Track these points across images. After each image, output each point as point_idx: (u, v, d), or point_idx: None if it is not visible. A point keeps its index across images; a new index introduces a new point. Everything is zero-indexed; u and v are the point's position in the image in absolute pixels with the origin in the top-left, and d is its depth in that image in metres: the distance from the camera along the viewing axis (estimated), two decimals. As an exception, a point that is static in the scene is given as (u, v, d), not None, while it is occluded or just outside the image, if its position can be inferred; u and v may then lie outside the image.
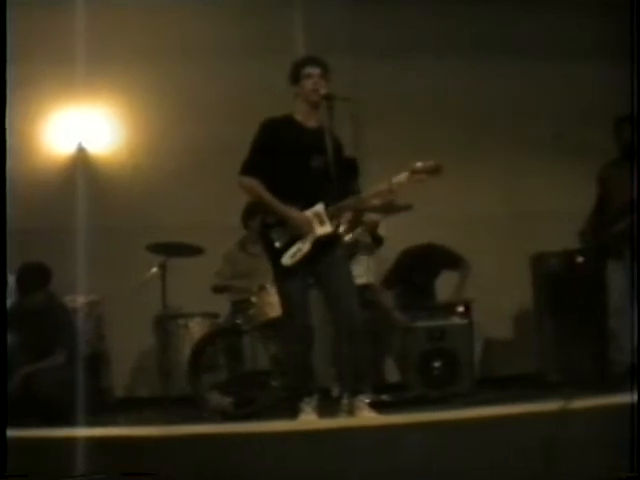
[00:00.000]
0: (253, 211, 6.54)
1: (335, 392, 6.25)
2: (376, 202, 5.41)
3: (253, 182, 5.18)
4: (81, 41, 7.56)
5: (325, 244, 5.11)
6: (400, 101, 8.77)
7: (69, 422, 5.39)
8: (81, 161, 8.48)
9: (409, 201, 6.52)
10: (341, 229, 5.44)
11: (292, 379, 5.38)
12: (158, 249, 6.94)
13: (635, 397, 3.51)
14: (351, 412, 5.01)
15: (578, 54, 8.84)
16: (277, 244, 5.10)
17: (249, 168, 5.19)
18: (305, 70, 5.18)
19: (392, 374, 7.90)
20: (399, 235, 7.90)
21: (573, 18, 8.93)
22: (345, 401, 5.08)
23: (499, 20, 8.93)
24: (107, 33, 8.24)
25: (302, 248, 5.07)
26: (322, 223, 5.10)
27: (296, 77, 5.22)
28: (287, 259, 5.07)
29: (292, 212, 5.08)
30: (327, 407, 5.36)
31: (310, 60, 5.27)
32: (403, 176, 5.05)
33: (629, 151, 6.47)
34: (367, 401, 5.17)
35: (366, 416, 4.95)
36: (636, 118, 6.35)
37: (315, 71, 5.18)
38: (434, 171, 5.05)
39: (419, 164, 5.03)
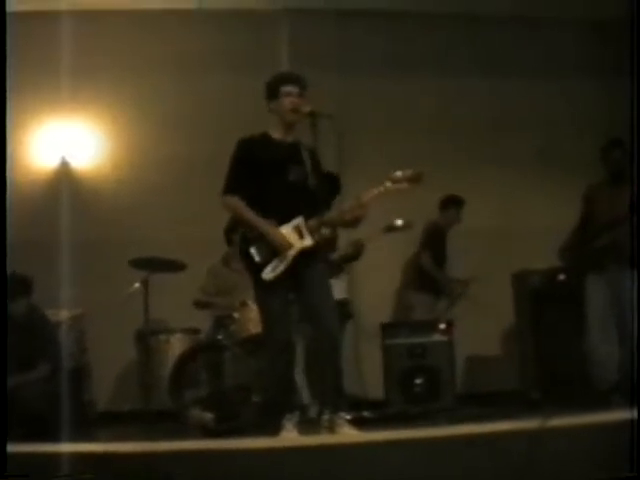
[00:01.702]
0: (236, 225, 6.51)
1: (313, 410, 6.24)
2: (350, 216, 5.29)
3: (235, 200, 5.19)
4: (66, 54, 7.57)
5: (306, 258, 5.10)
6: (386, 117, 8.79)
7: (51, 435, 5.37)
8: (65, 174, 8.46)
9: (388, 215, 6.56)
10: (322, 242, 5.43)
11: (274, 395, 5.37)
12: (140, 264, 6.92)
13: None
14: (332, 429, 4.98)
15: (571, 72, 8.92)
16: (257, 259, 5.07)
17: (231, 187, 5.18)
18: (284, 88, 5.16)
19: (373, 390, 7.90)
20: (378, 251, 7.93)
21: (568, 37, 9.01)
22: (326, 418, 5.05)
23: (491, 37, 8.99)
24: (91, 46, 8.23)
25: (282, 262, 5.05)
26: (302, 236, 5.09)
27: (274, 94, 5.19)
28: (267, 273, 5.04)
29: (270, 229, 5.07)
30: (308, 424, 5.36)
31: (288, 78, 5.25)
32: (376, 190, 5.07)
33: (616, 173, 6.51)
34: (348, 418, 5.16)
35: (347, 433, 4.93)
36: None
37: (294, 90, 5.16)
38: (414, 179, 5.06)
39: (398, 173, 5.05)
